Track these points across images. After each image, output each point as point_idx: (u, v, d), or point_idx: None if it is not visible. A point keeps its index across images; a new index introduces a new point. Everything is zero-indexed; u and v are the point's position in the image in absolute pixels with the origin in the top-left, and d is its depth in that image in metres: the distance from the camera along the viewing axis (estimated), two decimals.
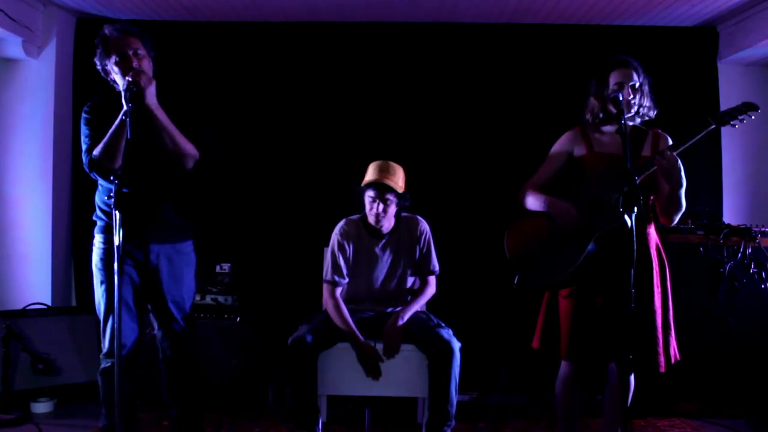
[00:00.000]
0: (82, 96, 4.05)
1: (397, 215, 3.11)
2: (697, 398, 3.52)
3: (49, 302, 3.83)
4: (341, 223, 3.18)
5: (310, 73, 4.10)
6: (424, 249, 3.15)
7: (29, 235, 3.93)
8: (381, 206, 3.00)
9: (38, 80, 3.91)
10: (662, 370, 2.43)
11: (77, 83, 4.07)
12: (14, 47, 3.75)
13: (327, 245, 3.22)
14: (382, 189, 2.99)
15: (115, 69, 2.48)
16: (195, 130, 2.61)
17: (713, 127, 2.36)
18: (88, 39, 4.06)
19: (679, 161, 2.36)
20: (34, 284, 3.90)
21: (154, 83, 2.41)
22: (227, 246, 4.01)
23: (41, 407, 3.49)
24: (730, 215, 4.02)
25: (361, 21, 4.07)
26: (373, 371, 2.91)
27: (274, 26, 4.09)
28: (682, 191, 2.39)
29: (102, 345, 2.59)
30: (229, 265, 3.82)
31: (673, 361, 2.47)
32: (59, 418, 3.44)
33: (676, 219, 2.47)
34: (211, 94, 4.04)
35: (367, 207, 3.05)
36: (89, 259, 2.65)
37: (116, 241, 2.09)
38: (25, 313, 3.62)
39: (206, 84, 4.05)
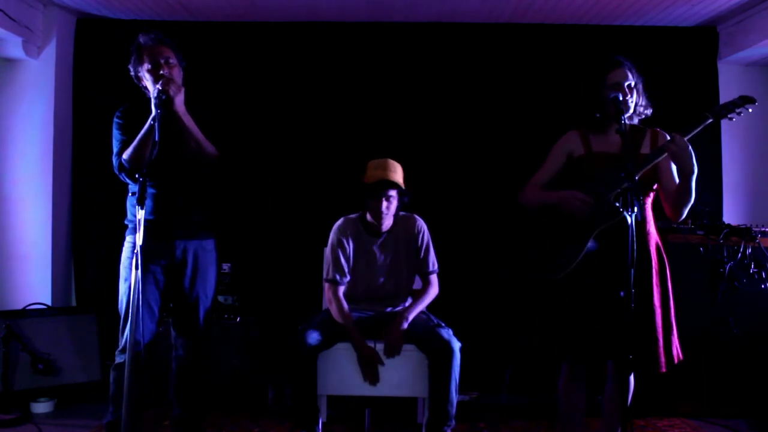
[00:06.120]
0: (82, 96, 4.06)
1: (395, 214, 3.10)
2: (697, 398, 3.52)
3: (49, 302, 3.83)
4: (339, 221, 3.17)
5: (310, 73, 4.10)
6: (423, 247, 3.13)
7: (29, 235, 3.92)
8: (385, 204, 2.99)
9: (38, 80, 3.91)
10: (663, 370, 2.42)
11: (77, 83, 4.06)
12: (14, 47, 3.74)
13: (327, 245, 3.21)
14: (388, 186, 2.97)
15: (147, 76, 2.60)
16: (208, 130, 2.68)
17: (711, 120, 2.35)
18: (88, 39, 4.09)
19: (690, 147, 2.34)
20: (34, 284, 3.89)
21: (182, 91, 2.52)
22: (227, 246, 3.99)
23: (41, 407, 3.49)
24: (730, 215, 4.03)
25: (361, 21, 4.07)
26: (371, 376, 2.91)
27: (274, 26, 4.09)
28: (694, 178, 2.37)
29: (119, 341, 2.63)
30: (229, 265, 3.83)
31: (675, 360, 2.46)
32: (59, 418, 3.44)
33: (685, 212, 2.44)
34: (211, 94, 4.01)
35: (371, 205, 3.02)
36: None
37: (138, 238, 2.12)
38: (25, 313, 3.62)
39: (206, 84, 4.03)
